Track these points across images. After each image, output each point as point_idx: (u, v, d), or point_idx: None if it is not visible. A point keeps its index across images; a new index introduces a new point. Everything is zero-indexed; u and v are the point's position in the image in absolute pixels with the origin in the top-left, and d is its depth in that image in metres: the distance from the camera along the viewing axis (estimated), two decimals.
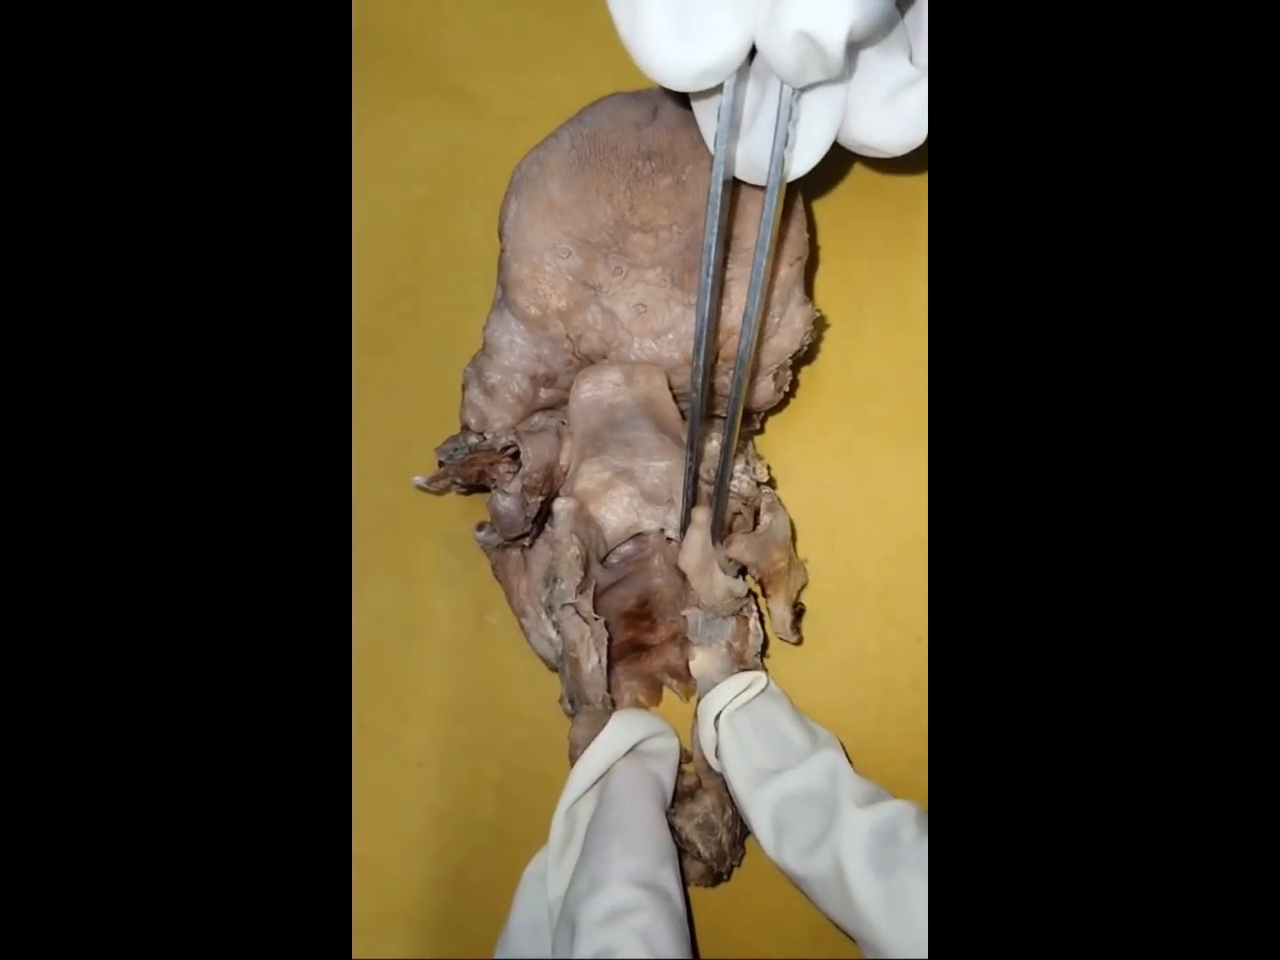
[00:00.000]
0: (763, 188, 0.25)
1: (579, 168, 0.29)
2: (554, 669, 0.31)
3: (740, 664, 0.30)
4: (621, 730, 0.29)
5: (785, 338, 0.29)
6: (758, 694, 0.30)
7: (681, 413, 0.30)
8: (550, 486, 0.30)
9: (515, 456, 0.30)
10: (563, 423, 0.31)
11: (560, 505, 0.30)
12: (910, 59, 0.26)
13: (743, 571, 0.30)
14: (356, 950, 0.31)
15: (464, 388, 0.31)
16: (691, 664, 0.31)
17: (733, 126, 0.25)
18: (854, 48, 0.25)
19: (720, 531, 0.30)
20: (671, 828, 0.29)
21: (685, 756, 0.31)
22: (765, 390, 0.30)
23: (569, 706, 0.30)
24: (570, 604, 0.29)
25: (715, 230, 0.25)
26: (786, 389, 0.30)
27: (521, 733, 0.32)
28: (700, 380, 0.27)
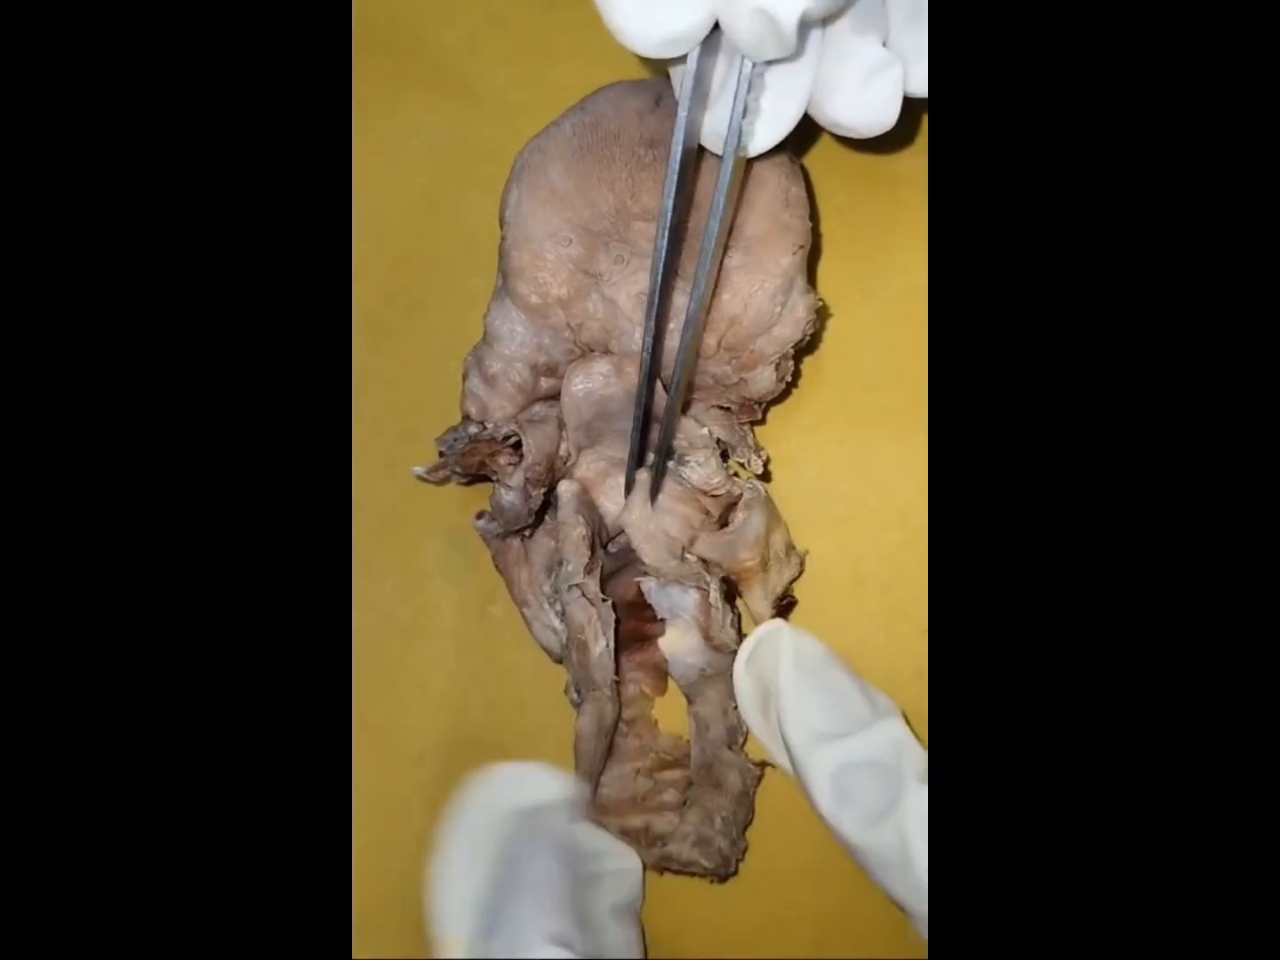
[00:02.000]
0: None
1: (580, 155, 0.29)
2: (558, 659, 0.31)
3: (708, 640, 0.30)
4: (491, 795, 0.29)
5: (787, 327, 0.29)
6: (815, 653, 0.29)
7: (687, 402, 0.30)
8: (552, 477, 0.30)
9: (516, 446, 0.30)
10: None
11: (564, 487, 0.30)
12: (885, 42, 0.27)
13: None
14: (357, 945, 0.31)
15: (464, 377, 0.30)
16: (660, 641, 0.30)
17: (697, 95, 0.26)
18: (826, 24, 0.26)
19: (657, 493, 0.30)
20: (668, 856, 0.29)
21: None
22: (767, 380, 0.30)
23: (575, 695, 0.30)
24: (577, 585, 0.29)
25: (673, 195, 0.26)
26: (789, 378, 0.30)
27: (524, 725, 0.32)
28: (650, 340, 0.28)
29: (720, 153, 0.26)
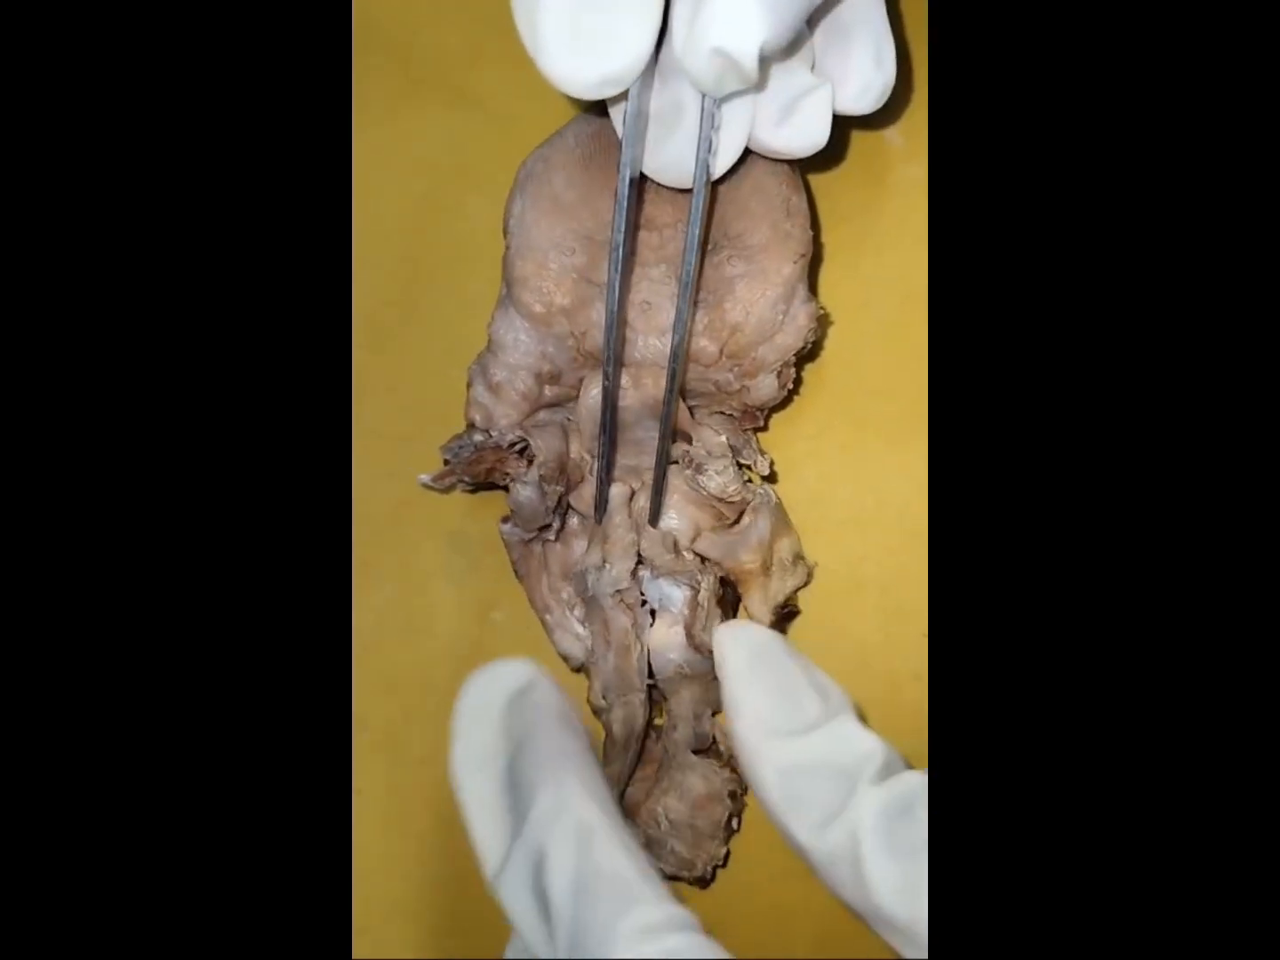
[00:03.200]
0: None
1: (583, 165, 0.29)
2: (577, 668, 0.31)
3: (690, 637, 0.29)
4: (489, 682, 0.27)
5: (789, 335, 0.29)
6: (766, 643, 0.28)
7: (691, 410, 0.30)
8: (565, 479, 0.30)
9: (523, 452, 0.30)
10: (568, 418, 0.31)
11: (616, 491, 0.30)
12: (812, 68, 0.28)
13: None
14: (359, 948, 0.31)
15: (469, 385, 0.31)
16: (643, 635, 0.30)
17: (638, 132, 0.27)
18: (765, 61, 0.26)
19: (659, 513, 0.30)
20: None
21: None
22: (769, 387, 0.30)
23: (603, 701, 0.30)
24: (620, 590, 0.29)
25: (623, 229, 0.27)
26: (790, 385, 0.30)
27: None
28: (610, 368, 0.29)
29: (672, 184, 0.28)
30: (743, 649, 0.28)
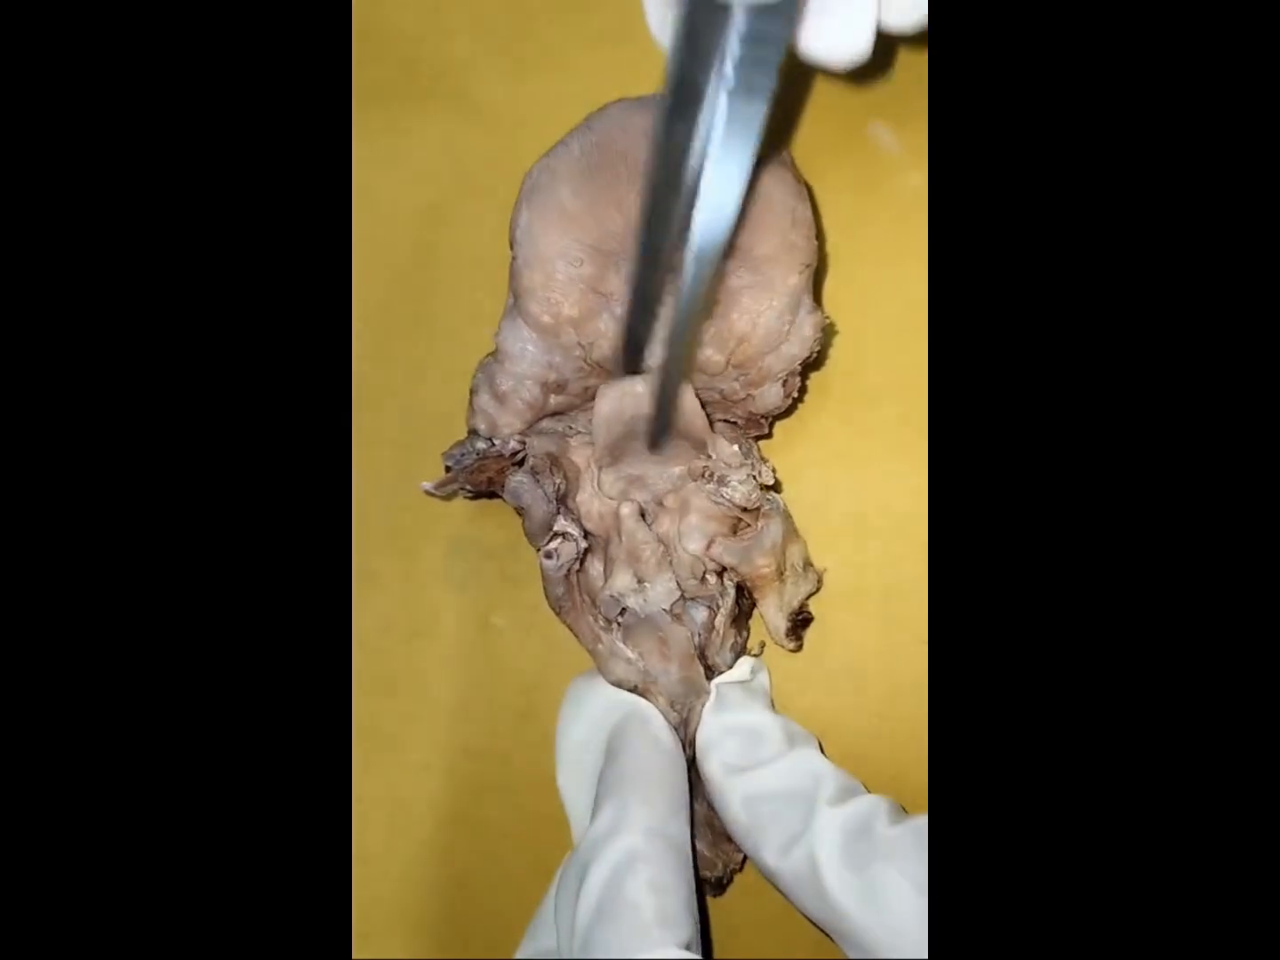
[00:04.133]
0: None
1: (589, 175, 0.29)
2: (632, 687, 0.30)
3: (702, 658, 0.30)
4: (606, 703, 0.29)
5: (795, 345, 0.29)
6: (736, 693, 0.30)
7: (711, 422, 0.30)
8: (562, 475, 0.30)
9: (523, 463, 0.30)
10: (570, 427, 0.31)
11: (627, 511, 0.29)
12: None
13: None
14: (359, 952, 0.31)
15: (473, 393, 0.30)
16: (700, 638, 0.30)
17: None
18: None
19: (662, 440, 0.30)
20: None
21: None
22: (774, 396, 0.30)
23: (674, 712, 0.30)
24: (671, 604, 0.29)
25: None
26: (795, 394, 0.30)
27: (530, 734, 0.32)
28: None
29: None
30: (710, 704, 0.29)
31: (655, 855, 0.26)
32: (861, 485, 0.33)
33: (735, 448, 0.30)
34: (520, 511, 0.30)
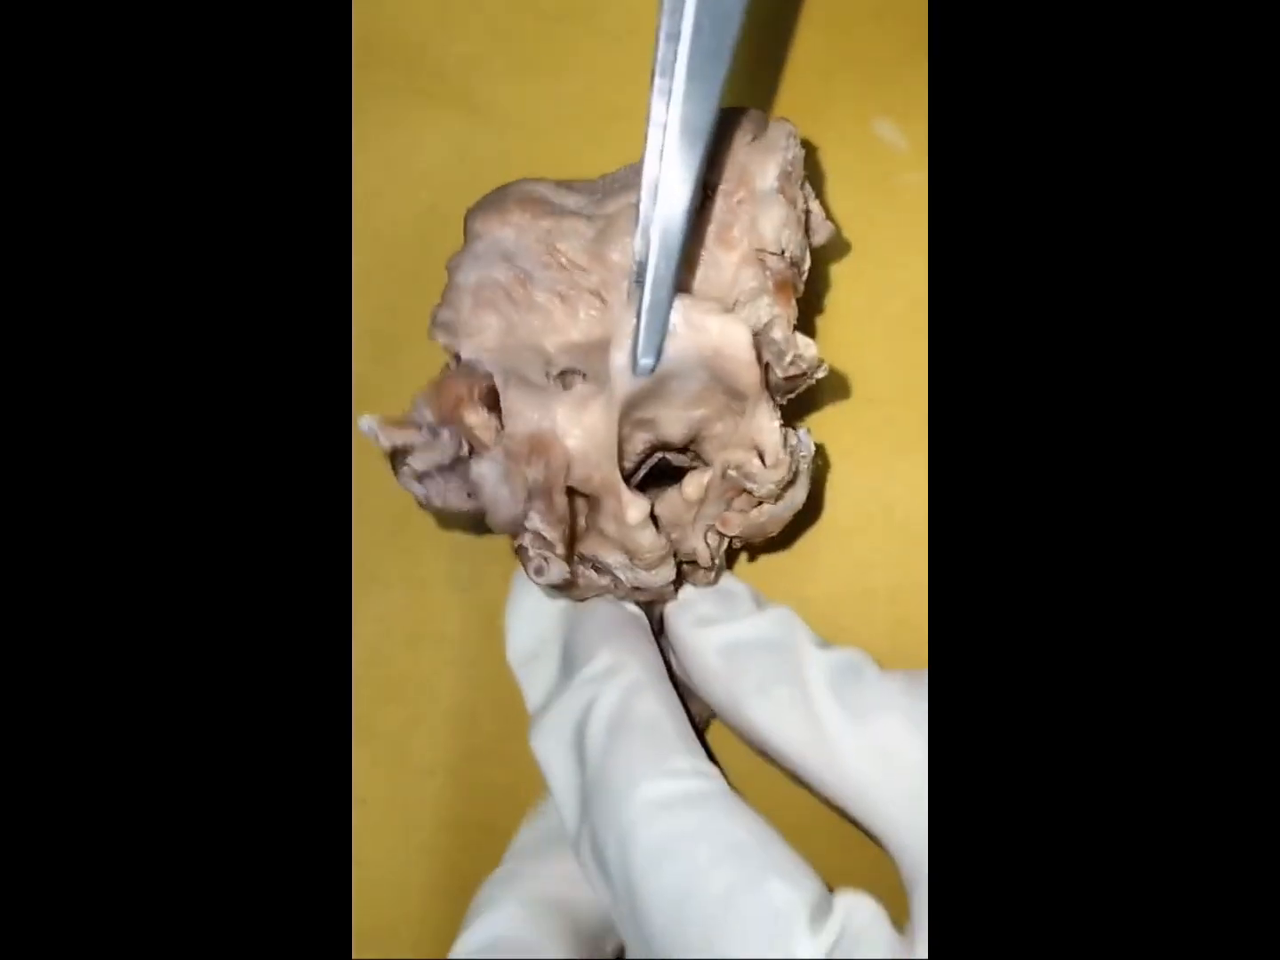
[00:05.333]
0: None
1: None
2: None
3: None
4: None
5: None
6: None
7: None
8: (544, 465, 0.25)
9: (494, 408, 0.25)
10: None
11: (634, 518, 0.25)
12: None
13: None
14: (364, 955, 0.31)
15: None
16: None
17: None
18: None
19: (647, 358, 0.24)
20: None
21: None
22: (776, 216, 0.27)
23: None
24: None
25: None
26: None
27: None
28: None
29: None
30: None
31: (663, 686, 0.25)
32: (865, 483, 0.32)
33: (777, 424, 0.25)
34: (476, 492, 0.25)
